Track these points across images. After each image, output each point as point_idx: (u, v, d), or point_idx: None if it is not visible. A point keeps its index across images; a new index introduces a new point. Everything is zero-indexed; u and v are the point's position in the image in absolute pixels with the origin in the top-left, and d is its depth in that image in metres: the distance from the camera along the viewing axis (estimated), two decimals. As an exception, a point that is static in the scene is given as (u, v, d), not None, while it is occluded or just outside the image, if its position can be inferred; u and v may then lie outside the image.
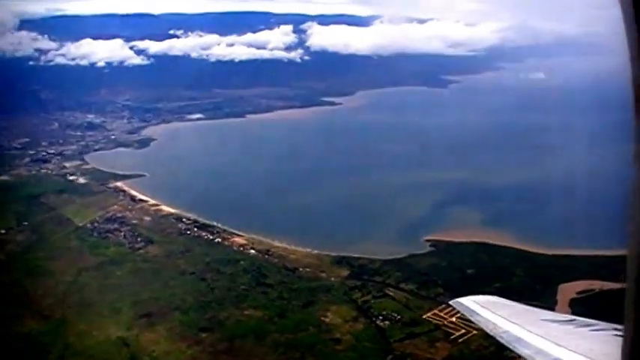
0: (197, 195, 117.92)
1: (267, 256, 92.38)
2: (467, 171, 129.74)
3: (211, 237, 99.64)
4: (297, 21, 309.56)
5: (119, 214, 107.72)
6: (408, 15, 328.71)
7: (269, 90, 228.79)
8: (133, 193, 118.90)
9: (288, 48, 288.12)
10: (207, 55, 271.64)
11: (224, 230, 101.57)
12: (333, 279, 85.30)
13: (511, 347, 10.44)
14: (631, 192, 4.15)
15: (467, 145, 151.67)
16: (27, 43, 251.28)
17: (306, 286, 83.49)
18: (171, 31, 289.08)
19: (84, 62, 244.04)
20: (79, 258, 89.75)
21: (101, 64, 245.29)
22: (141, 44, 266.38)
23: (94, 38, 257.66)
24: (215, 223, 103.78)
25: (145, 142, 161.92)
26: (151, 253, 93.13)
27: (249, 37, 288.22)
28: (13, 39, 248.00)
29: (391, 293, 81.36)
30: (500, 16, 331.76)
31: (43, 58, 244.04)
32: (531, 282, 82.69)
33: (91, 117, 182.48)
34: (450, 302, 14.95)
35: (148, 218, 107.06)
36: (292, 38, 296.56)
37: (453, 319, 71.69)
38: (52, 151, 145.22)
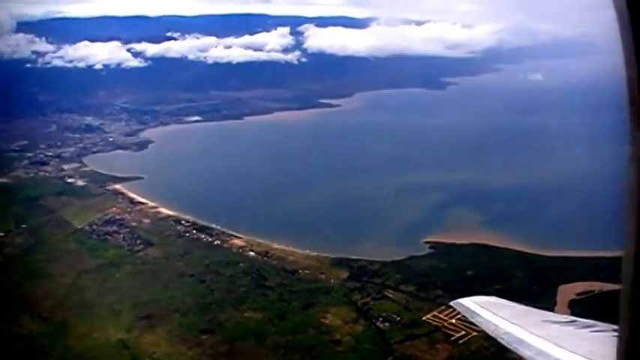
0: (195, 197, 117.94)
1: (266, 258, 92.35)
2: (466, 172, 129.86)
3: (210, 239, 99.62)
4: (294, 23, 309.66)
5: (118, 217, 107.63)
6: (405, 17, 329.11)
7: (267, 92, 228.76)
8: (132, 195, 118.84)
9: (286, 50, 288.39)
10: (205, 57, 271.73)
11: (223, 232, 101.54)
12: (332, 281, 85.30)
13: (512, 348, 10.40)
14: (627, 194, 4.20)
15: (466, 146, 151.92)
16: (24, 46, 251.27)
17: (306, 287, 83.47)
18: (169, 34, 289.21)
19: (81, 64, 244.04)
20: (79, 260, 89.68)
21: (99, 66, 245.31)
22: (138, 46, 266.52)
23: (92, 40, 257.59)
24: (214, 225, 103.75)
25: (143, 145, 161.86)
26: (151, 255, 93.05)
27: (247, 39, 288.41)
28: (10, 41, 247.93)
29: (391, 295, 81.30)
30: (497, 18, 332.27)
31: (40, 60, 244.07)
32: (531, 283, 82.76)
33: (89, 119, 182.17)
34: (451, 303, 14.93)
35: (146, 220, 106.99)
36: (289, 40, 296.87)
37: (453, 320, 71.75)
38: (51, 154, 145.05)
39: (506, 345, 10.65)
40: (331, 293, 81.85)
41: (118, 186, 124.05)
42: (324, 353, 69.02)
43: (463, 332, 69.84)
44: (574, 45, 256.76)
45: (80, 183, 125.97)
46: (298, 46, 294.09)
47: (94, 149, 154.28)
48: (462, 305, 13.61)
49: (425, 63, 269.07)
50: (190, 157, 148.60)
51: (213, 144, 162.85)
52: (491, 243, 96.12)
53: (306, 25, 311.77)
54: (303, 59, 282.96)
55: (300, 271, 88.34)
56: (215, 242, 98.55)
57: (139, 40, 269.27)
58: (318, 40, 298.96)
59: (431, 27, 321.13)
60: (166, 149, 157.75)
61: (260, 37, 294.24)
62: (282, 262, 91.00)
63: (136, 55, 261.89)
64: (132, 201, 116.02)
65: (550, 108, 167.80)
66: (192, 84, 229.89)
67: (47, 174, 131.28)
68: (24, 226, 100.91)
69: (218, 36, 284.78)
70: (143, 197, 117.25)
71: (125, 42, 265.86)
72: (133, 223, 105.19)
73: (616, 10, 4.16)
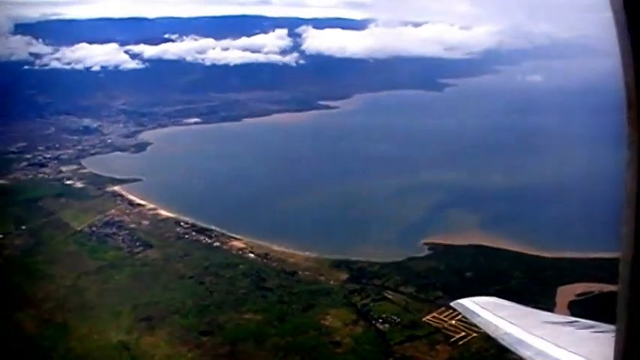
0: (194, 199, 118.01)
1: (265, 260, 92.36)
2: (464, 173, 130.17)
3: (210, 241, 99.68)
4: (292, 24, 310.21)
5: (117, 219, 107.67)
6: (402, 18, 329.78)
7: (265, 94, 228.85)
8: (131, 197, 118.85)
9: (284, 52, 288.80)
10: (203, 59, 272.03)
11: (222, 234, 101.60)
12: (332, 282, 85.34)
13: (512, 349, 10.43)
14: (625, 196, 4.26)
15: (464, 147, 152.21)
16: (22, 47, 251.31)
17: (306, 289, 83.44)
18: (166, 35, 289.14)
19: (79, 66, 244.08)
20: (78, 262, 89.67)
21: (96, 68, 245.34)
22: (136, 48, 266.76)
23: (89, 42, 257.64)
24: (213, 227, 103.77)
25: (141, 146, 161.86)
26: (150, 257, 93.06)
27: (244, 40, 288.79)
28: (8, 43, 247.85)
29: (390, 296, 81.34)
30: (495, 19, 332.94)
31: (38, 62, 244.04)
32: (530, 284, 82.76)
33: (87, 121, 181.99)
34: (451, 304, 14.89)
35: (146, 222, 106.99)
36: (287, 42, 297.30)
37: (453, 321, 71.87)
38: (49, 156, 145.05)
39: (507, 345, 10.65)
40: (331, 295, 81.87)
41: (116, 188, 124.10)
42: (324, 355, 69.02)
43: (463, 333, 69.96)
44: (572, 46, 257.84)
45: (79, 185, 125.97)
46: (296, 47, 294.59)
47: (93, 151, 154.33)
48: (463, 306, 13.62)
49: (423, 64, 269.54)
50: (189, 159, 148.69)
51: (211, 146, 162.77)
52: (490, 244, 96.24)
53: (304, 27, 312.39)
54: (301, 61, 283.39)
55: (299, 272, 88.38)
56: (214, 244, 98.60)
57: (136, 42, 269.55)
58: (316, 41, 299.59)
59: (429, 28, 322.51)
60: (165, 151, 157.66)
61: (258, 39, 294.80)
62: (281, 263, 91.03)
63: (134, 56, 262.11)
64: (131, 203, 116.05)
65: (548, 109, 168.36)
66: (190, 86, 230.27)
67: (46, 176, 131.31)
68: (23, 227, 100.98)
69: (215, 38, 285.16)
70: (142, 199, 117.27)
71: (122, 44, 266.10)
72: (132, 225, 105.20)
73: (613, 13, 4.18)
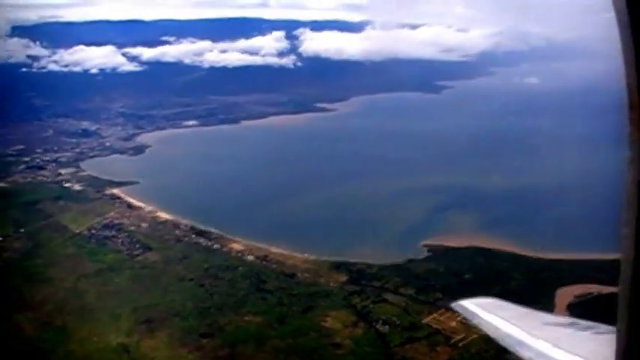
0: (193, 201, 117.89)
1: (265, 262, 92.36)
2: (462, 175, 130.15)
3: (209, 243, 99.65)
4: (290, 27, 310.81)
5: (116, 221, 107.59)
6: (399, 21, 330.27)
7: (263, 96, 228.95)
8: (129, 199, 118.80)
9: (281, 54, 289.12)
10: (201, 62, 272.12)
11: (221, 236, 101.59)
12: (331, 284, 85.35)
13: (513, 350, 10.34)
14: (625, 197, 4.26)
15: (462, 149, 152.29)
16: (20, 50, 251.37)
17: (305, 291, 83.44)
18: (164, 38, 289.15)
19: (77, 69, 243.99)
20: (78, 264, 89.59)
21: (94, 70, 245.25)
22: (133, 51, 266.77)
23: (87, 45, 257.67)
24: (212, 229, 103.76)
25: (139, 149, 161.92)
26: (150, 259, 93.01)
27: (242, 43, 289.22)
28: (5, 45, 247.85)
29: (390, 298, 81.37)
30: (492, 22, 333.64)
31: (36, 64, 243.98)
32: (529, 286, 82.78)
33: (85, 124, 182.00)
34: (452, 305, 14.83)
35: (145, 225, 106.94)
36: (285, 44, 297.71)
37: (453, 323, 72.00)
38: (47, 158, 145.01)
39: (507, 347, 10.54)
40: (330, 297, 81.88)
41: (115, 190, 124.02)
42: (324, 356, 69.04)
43: (463, 335, 70.05)
44: (569, 48, 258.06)
45: (77, 187, 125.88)
46: (294, 50, 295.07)
47: (91, 154, 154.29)
48: (463, 307, 13.38)
49: (420, 66, 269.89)
50: (187, 162, 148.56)
51: (209, 148, 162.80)
52: (489, 246, 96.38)
53: (302, 29, 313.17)
54: (299, 63, 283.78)
55: (299, 274, 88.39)
56: (214, 246, 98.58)
57: (134, 45, 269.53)
58: (314, 44, 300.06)
59: (426, 31, 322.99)
60: (163, 153, 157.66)
61: (255, 42, 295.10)
62: (281, 265, 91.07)
63: (132, 59, 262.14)
64: (129, 205, 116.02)
65: (546, 111, 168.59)
66: (188, 88, 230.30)
67: (44, 178, 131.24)
68: (22, 230, 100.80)
69: (213, 40, 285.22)
70: (141, 201, 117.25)
71: (120, 46, 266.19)
72: (132, 228, 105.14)
73: (615, 13, 4.15)
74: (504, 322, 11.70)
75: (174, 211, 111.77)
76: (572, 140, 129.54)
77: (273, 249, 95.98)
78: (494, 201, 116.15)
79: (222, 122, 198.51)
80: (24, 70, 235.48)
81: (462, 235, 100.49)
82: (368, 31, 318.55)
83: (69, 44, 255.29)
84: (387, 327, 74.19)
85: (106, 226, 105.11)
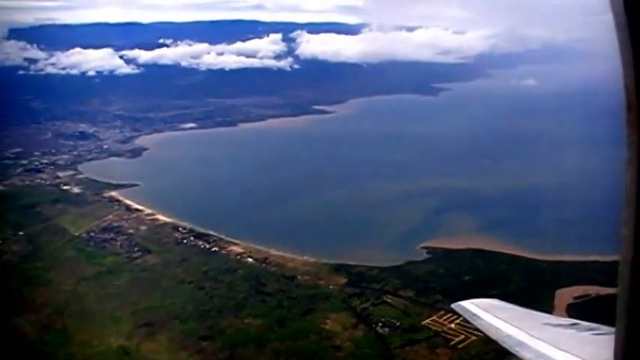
0: (192, 204, 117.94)
1: (264, 265, 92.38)
2: (461, 178, 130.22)
3: (208, 246, 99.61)
4: (286, 29, 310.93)
5: (115, 224, 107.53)
6: (396, 23, 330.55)
7: (260, 99, 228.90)
8: (128, 202, 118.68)
9: (278, 56, 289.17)
10: (198, 64, 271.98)
11: (220, 239, 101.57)
12: (331, 287, 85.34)
13: (513, 351, 10.33)
14: (624, 197, 4.25)
15: (460, 151, 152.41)
16: (16, 53, 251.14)
17: (305, 293, 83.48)
18: (161, 40, 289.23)
19: (74, 71, 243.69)
20: (77, 268, 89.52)
21: (92, 73, 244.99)
22: (131, 53, 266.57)
23: (84, 47, 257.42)
24: (211, 232, 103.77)
25: (137, 152, 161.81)
26: (149, 262, 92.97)
27: (239, 45, 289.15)
28: (2, 48, 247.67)
29: (390, 300, 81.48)
30: (489, 23, 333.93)
31: (33, 67, 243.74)
32: (528, 288, 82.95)
33: (83, 126, 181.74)
34: (452, 306, 14.85)
35: (144, 228, 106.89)
36: (282, 47, 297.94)
37: (452, 325, 72.16)
38: (45, 161, 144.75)
39: (508, 348, 10.54)
40: (330, 299, 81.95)
41: (113, 193, 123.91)
42: (324, 359, 69.18)
43: (463, 337, 70.20)
44: (567, 50, 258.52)
45: (76, 190, 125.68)
46: (291, 52, 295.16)
47: (89, 156, 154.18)
48: (463, 308, 13.46)
49: (417, 69, 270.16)
50: (185, 164, 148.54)
51: (208, 151, 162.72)
52: (488, 248, 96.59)
53: (298, 32, 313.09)
54: (296, 66, 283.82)
55: (298, 277, 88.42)
56: (213, 249, 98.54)
57: (131, 47, 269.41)
58: (311, 46, 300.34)
59: (422, 33, 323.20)
60: (161, 156, 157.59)
61: (252, 44, 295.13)
62: (280, 268, 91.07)
63: (129, 61, 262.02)
64: (128, 208, 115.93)
65: (543, 113, 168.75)
66: (185, 91, 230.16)
67: (42, 181, 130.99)
68: (21, 233, 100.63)
69: (210, 43, 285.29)
70: (139, 204, 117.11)
71: (117, 49, 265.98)
72: (131, 230, 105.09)
73: (613, 14, 4.12)
74: (504, 323, 11.71)
75: (173, 214, 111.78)
76: (570, 142, 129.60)
77: (273, 251, 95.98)
78: (493, 203, 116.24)
79: (220, 125, 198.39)
80: (21, 72, 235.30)
81: (461, 237, 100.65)
82: (365, 34, 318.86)
83: (66, 47, 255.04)
84: (387, 329, 74.31)
85: (104, 229, 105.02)
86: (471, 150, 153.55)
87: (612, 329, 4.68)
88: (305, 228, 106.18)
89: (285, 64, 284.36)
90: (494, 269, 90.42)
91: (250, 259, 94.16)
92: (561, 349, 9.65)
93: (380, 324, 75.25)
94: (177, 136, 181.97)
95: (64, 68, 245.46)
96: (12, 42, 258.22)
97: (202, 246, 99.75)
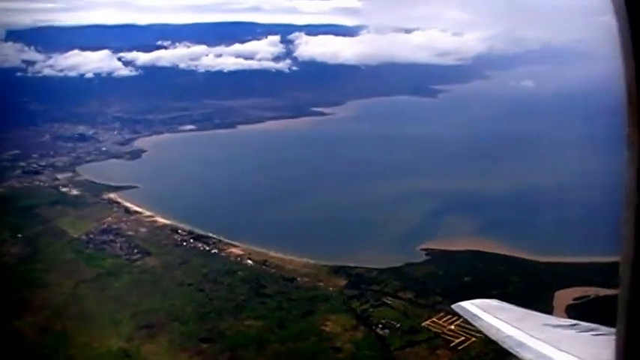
0: (191, 206, 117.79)
1: (264, 267, 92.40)
2: (460, 179, 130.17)
3: (208, 248, 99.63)
4: (285, 31, 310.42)
5: (114, 226, 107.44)
6: (394, 25, 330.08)
7: (259, 100, 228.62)
8: (127, 204, 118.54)
9: (277, 58, 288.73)
10: (196, 66, 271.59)
11: (220, 241, 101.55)
12: (331, 288, 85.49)
13: (513, 352, 10.44)
14: (624, 197, 4.23)
15: (459, 153, 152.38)
16: (14, 55, 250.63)
17: (305, 295, 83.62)
18: (159, 42, 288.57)
19: (72, 73, 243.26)
20: (76, 269, 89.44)
21: (90, 75, 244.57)
22: (129, 55, 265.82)
23: (82, 49, 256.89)
24: (210, 234, 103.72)
25: (136, 154, 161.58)
26: (149, 264, 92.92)
27: (237, 47, 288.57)
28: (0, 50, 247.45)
29: (389, 302, 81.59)
30: (487, 25, 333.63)
31: (30, 69, 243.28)
32: (527, 289, 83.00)
33: (81, 128, 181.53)
34: (452, 306, 14.92)
35: (143, 229, 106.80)
36: (280, 48, 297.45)
37: (452, 326, 72.23)
38: (44, 163, 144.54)
39: (508, 348, 10.67)
40: (330, 301, 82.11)
41: (112, 195, 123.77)
42: (325, 360, 69.28)
43: (462, 338, 70.26)
44: (565, 51, 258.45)
45: (75, 192, 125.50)
46: (289, 54, 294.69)
47: (88, 158, 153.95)
48: (463, 308, 13.66)
49: (415, 70, 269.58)
50: (184, 166, 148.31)
51: (206, 152, 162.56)
52: (486, 249, 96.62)
53: (297, 34, 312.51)
54: (294, 67, 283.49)
55: (298, 279, 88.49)
56: (212, 251, 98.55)
57: (129, 49, 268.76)
58: (309, 48, 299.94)
59: (420, 34, 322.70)
60: (160, 158, 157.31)
61: (250, 46, 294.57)
62: (280, 270, 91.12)
63: (127, 63, 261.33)
64: (127, 210, 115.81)
65: (542, 114, 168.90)
66: (184, 93, 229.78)
67: (41, 183, 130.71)
68: (20, 235, 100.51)
69: (208, 44, 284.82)
70: (138, 206, 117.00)
71: (115, 51, 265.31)
72: (130, 233, 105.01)
73: (615, 13, 4.12)
74: (504, 323, 11.85)
75: (172, 216, 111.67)
76: (569, 143, 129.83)
77: (272, 253, 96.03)
78: (492, 204, 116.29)
79: (219, 127, 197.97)
80: (19, 74, 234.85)
81: (460, 239, 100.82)
82: (363, 35, 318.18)
83: (64, 49, 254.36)
84: (386, 330, 74.43)
85: (104, 231, 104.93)
86: (470, 151, 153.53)
87: (612, 330, 4.69)
88: (304, 230, 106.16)
89: (283, 65, 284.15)
90: (494, 271, 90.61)
91: (250, 261, 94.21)
92: (561, 350, 9.73)
93: (380, 325, 75.38)
94: (176, 138, 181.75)
95: (62, 70, 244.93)
96: (10, 44, 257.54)
97: (202, 248, 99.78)
